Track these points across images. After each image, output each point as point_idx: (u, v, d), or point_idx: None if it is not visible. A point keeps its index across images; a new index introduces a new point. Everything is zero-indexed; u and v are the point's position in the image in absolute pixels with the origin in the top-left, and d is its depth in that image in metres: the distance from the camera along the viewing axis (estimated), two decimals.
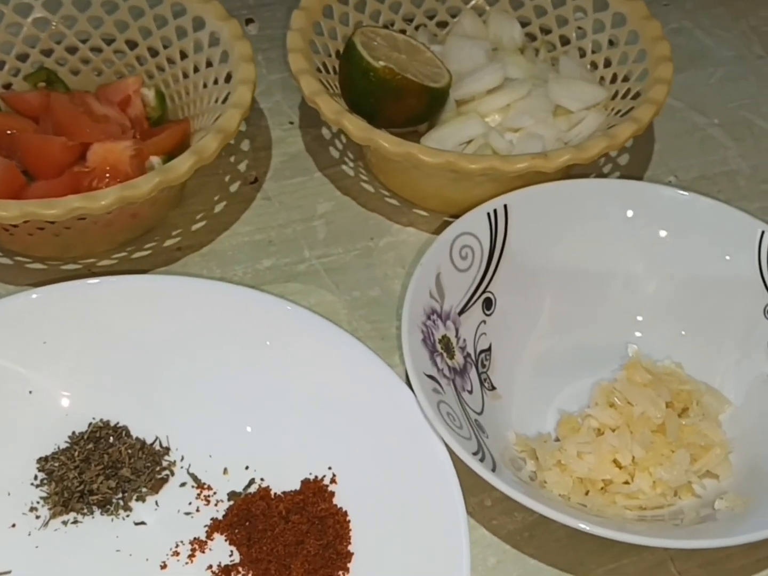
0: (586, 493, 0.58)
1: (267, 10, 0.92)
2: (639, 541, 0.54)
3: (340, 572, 0.57)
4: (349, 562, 0.57)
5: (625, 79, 0.76)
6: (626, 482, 0.59)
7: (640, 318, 0.67)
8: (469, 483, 0.57)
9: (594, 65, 0.80)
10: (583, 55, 0.80)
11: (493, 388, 0.63)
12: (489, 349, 0.64)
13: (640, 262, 0.67)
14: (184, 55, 0.77)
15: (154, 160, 0.72)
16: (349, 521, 0.58)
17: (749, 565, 0.59)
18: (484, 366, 0.64)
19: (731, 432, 0.61)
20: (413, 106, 0.73)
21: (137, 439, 0.62)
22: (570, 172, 0.74)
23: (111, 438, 0.62)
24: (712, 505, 0.58)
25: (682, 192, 0.68)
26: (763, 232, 0.65)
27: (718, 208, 0.66)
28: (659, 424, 0.60)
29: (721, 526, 0.56)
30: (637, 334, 0.67)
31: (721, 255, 0.66)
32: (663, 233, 0.67)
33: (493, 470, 0.55)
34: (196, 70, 0.76)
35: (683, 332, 0.66)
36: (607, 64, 0.79)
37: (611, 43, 0.79)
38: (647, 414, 0.60)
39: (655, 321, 0.67)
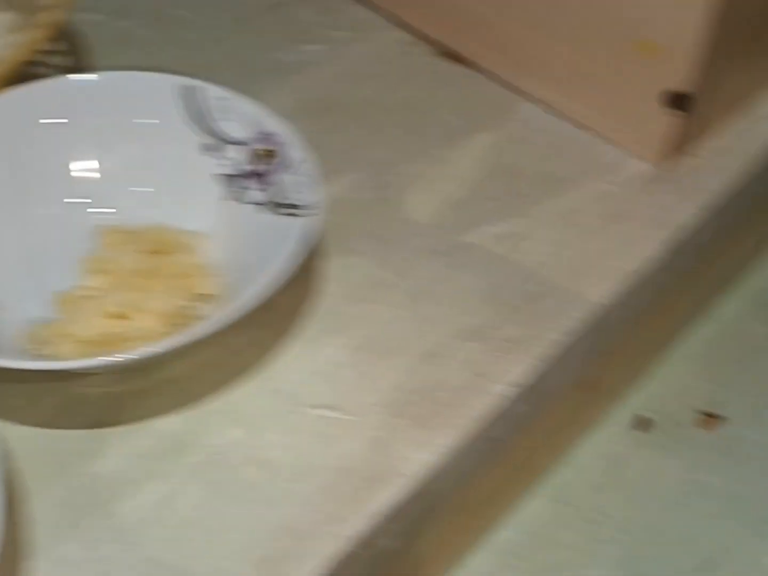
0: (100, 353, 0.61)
1: None
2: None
3: None
4: None
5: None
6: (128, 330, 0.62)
7: (100, 195, 0.69)
8: None
9: None
10: None
11: None
12: None
13: (76, 151, 0.70)
14: None
15: None
16: None
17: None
18: None
19: (213, 257, 0.66)
20: None
21: None
22: None
23: None
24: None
25: (90, 76, 0.71)
26: (175, 84, 0.69)
27: (127, 76, 0.70)
28: (148, 270, 0.64)
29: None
30: (108, 210, 0.69)
31: (150, 117, 0.70)
32: (92, 118, 0.70)
33: None
34: None
35: (152, 190, 0.69)
36: None
37: None
38: (132, 266, 0.64)
39: (125, 193, 0.69)
